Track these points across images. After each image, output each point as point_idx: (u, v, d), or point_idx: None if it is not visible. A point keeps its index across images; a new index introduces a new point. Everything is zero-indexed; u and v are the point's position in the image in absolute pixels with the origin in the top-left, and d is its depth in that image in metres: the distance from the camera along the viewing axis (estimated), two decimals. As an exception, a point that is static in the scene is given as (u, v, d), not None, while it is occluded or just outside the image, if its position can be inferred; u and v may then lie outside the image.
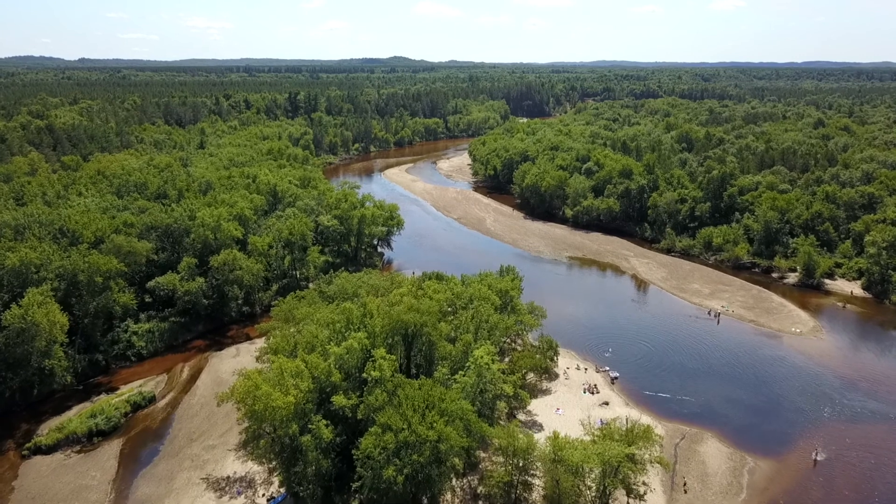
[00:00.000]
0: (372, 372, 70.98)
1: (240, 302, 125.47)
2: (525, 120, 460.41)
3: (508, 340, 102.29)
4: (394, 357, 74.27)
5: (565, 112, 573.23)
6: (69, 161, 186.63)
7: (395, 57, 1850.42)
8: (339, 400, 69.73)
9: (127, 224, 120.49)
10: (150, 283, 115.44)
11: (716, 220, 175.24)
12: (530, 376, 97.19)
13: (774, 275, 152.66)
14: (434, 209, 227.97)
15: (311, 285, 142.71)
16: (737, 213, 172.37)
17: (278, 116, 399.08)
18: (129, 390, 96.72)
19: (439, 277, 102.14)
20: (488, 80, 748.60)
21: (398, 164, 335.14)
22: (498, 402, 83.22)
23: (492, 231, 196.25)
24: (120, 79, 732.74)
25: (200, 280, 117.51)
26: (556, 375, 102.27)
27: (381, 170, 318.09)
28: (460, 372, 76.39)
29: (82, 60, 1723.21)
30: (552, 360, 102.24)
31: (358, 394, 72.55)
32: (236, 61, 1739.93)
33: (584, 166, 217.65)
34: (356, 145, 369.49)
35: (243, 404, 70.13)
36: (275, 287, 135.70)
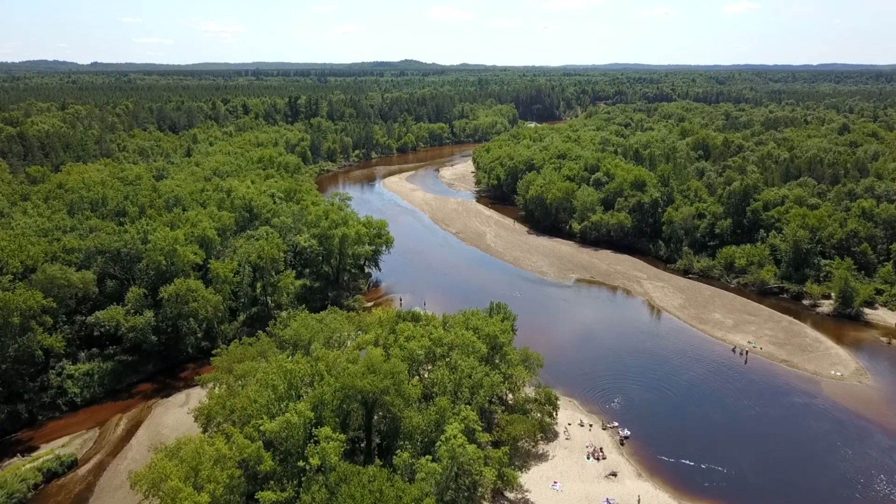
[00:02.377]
0: (311, 459, 55.67)
1: (198, 336, 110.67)
2: (534, 124, 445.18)
3: (498, 395, 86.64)
4: (343, 437, 58.88)
5: (576, 116, 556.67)
6: (35, 172, 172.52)
7: (405, 60, 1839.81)
8: (266, 496, 54.43)
9: (67, 250, 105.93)
10: (90, 319, 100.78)
11: (738, 238, 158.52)
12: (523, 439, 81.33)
13: (806, 302, 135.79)
14: (431, 222, 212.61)
15: (283, 313, 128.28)
16: (761, 231, 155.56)
17: (277, 121, 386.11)
18: (47, 452, 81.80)
19: (415, 318, 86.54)
20: (497, 84, 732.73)
21: (400, 171, 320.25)
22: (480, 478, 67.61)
23: (492, 248, 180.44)
24: (125, 82, 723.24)
25: (149, 314, 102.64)
26: (556, 434, 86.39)
27: (381, 178, 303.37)
28: (426, 457, 60.61)
29: (94, 64, 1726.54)
30: (551, 416, 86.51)
31: (296, 482, 57.32)
32: (248, 65, 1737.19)
33: (593, 177, 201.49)
34: (357, 152, 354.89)
35: (149, 495, 55.31)
36: (242, 317, 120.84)
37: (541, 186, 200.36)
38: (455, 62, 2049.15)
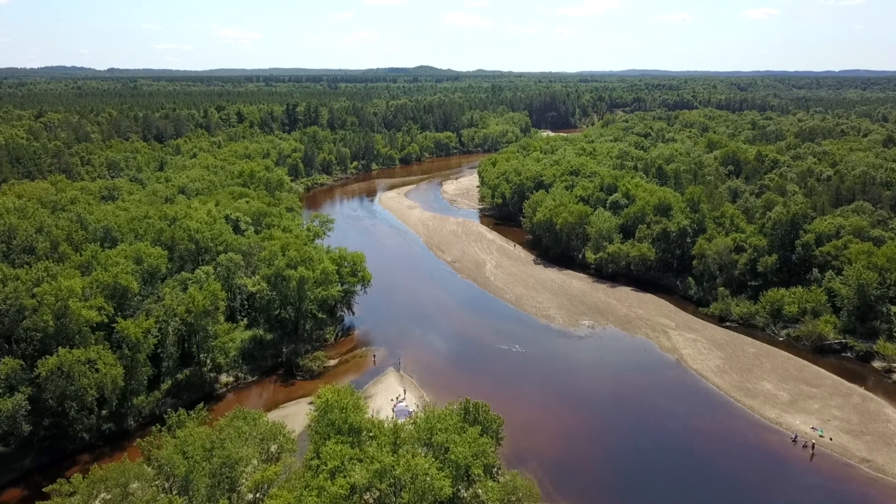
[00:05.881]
0: None
1: (99, 416, 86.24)
2: (547, 133, 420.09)
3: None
4: None
5: (592, 124, 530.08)
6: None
7: (420, 66, 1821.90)
8: None
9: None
10: (-61, 404, 76.48)
11: (785, 278, 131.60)
12: None
13: (877, 364, 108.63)
14: (426, 247, 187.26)
15: (223, 376, 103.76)
16: (815, 271, 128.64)
17: (274, 130, 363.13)
18: None
19: (354, 430, 60.87)
20: (511, 90, 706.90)
21: (402, 184, 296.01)
22: None
23: (491, 282, 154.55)
24: (130, 88, 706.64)
25: (22, 394, 78.12)
26: None
27: (378, 192, 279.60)
28: None
29: (111, 70, 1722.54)
30: (547, 566, 60.94)
31: None
32: (263, 71, 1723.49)
33: (611, 198, 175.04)
34: (355, 163, 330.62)
35: None
36: (167, 384, 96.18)
37: (550, 209, 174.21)
38: (471, 68, 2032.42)
